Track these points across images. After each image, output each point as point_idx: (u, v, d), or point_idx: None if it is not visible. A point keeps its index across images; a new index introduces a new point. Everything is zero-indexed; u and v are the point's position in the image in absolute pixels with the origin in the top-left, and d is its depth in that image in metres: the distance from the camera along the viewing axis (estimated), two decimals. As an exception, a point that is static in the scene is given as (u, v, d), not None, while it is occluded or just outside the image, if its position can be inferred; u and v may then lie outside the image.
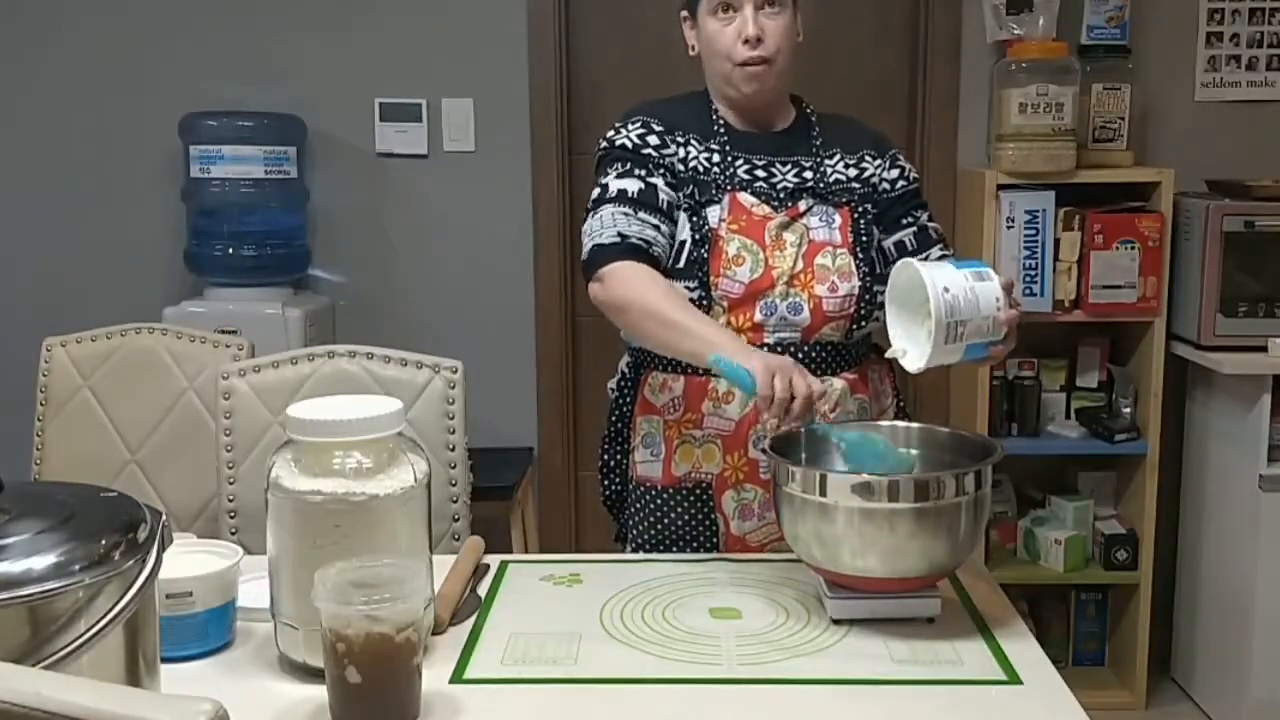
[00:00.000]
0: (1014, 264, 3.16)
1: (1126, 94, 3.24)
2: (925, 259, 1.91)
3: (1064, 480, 3.46)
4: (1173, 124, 3.41)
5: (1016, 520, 3.41)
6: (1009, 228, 3.16)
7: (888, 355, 1.74)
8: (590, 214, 1.89)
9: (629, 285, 1.80)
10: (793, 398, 1.61)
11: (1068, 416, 3.36)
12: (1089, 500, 3.37)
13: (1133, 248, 3.15)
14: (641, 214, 1.85)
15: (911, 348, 1.66)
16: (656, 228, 1.85)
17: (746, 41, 1.86)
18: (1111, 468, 3.42)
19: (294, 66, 3.43)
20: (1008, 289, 1.65)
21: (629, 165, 1.89)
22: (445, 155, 3.47)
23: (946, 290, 1.58)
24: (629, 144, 1.91)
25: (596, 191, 1.91)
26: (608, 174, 1.91)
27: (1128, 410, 3.28)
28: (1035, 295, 3.17)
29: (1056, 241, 3.17)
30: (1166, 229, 3.16)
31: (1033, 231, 3.16)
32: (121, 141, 3.48)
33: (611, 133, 1.94)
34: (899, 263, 1.70)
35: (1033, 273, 3.17)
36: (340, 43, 3.43)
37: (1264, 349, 3.05)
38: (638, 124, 1.92)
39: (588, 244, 1.87)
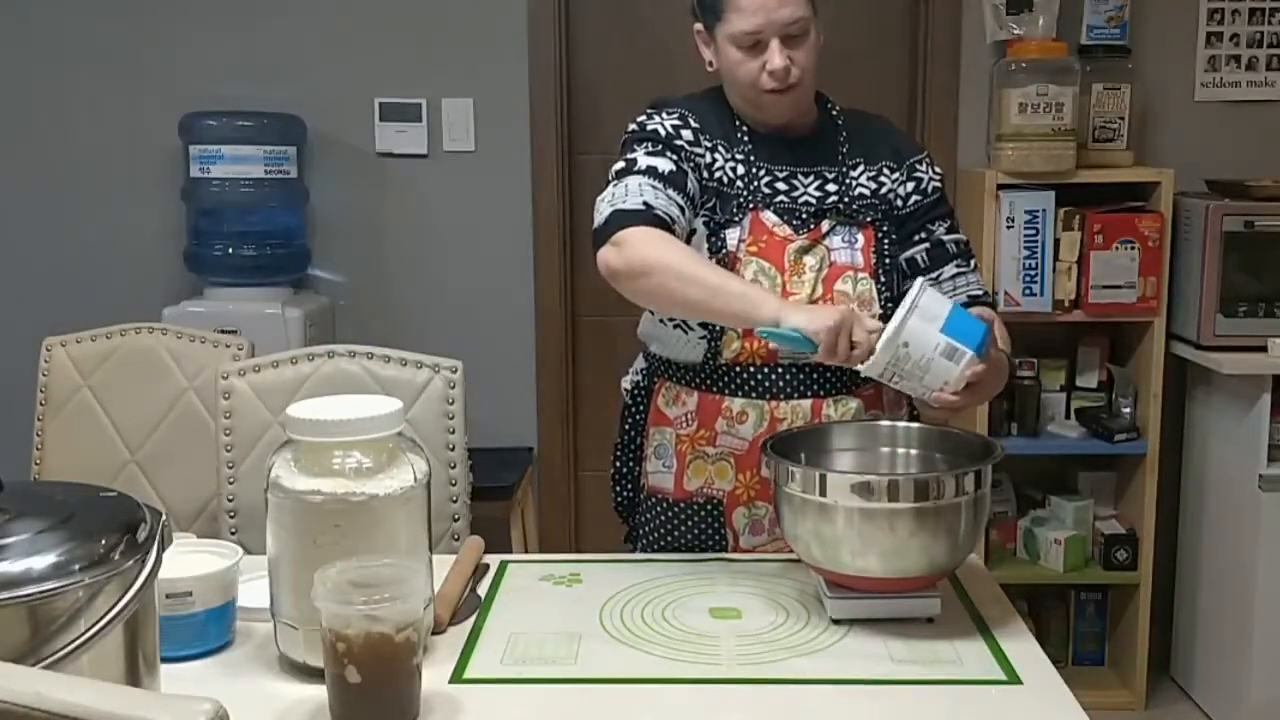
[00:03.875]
0: (1014, 264, 3.16)
1: (1126, 94, 3.25)
2: (938, 278, 1.88)
3: (1064, 480, 3.47)
4: (1173, 124, 3.41)
5: (1016, 520, 3.41)
6: (1009, 228, 3.17)
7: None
8: (613, 183, 1.81)
9: (650, 247, 1.70)
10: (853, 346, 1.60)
11: (1068, 416, 3.36)
12: (1089, 500, 3.37)
13: (1132, 248, 3.15)
14: (670, 191, 1.77)
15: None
16: (681, 209, 1.78)
17: (773, 73, 1.79)
18: (1111, 468, 3.42)
19: (294, 66, 3.43)
20: (968, 380, 1.59)
21: (660, 147, 1.82)
22: (445, 155, 3.47)
23: (905, 345, 1.57)
24: (662, 131, 1.84)
25: (621, 165, 1.83)
26: (635, 151, 1.83)
27: (1128, 410, 3.28)
28: (1035, 295, 3.17)
29: (1056, 241, 3.17)
30: (1166, 229, 3.16)
31: (1033, 231, 3.16)
32: (121, 141, 3.48)
33: (643, 118, 1.87)
34: (926, 281, 1.65)
35: (1033, 273, 3.17)
36: (340, 43, 3.43)
37: (1264, 349, 3.05)
38: (674, 115, 1.86)
39: (606, 210, 1.76)
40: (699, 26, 1.89)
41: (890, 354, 1.57)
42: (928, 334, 1.57)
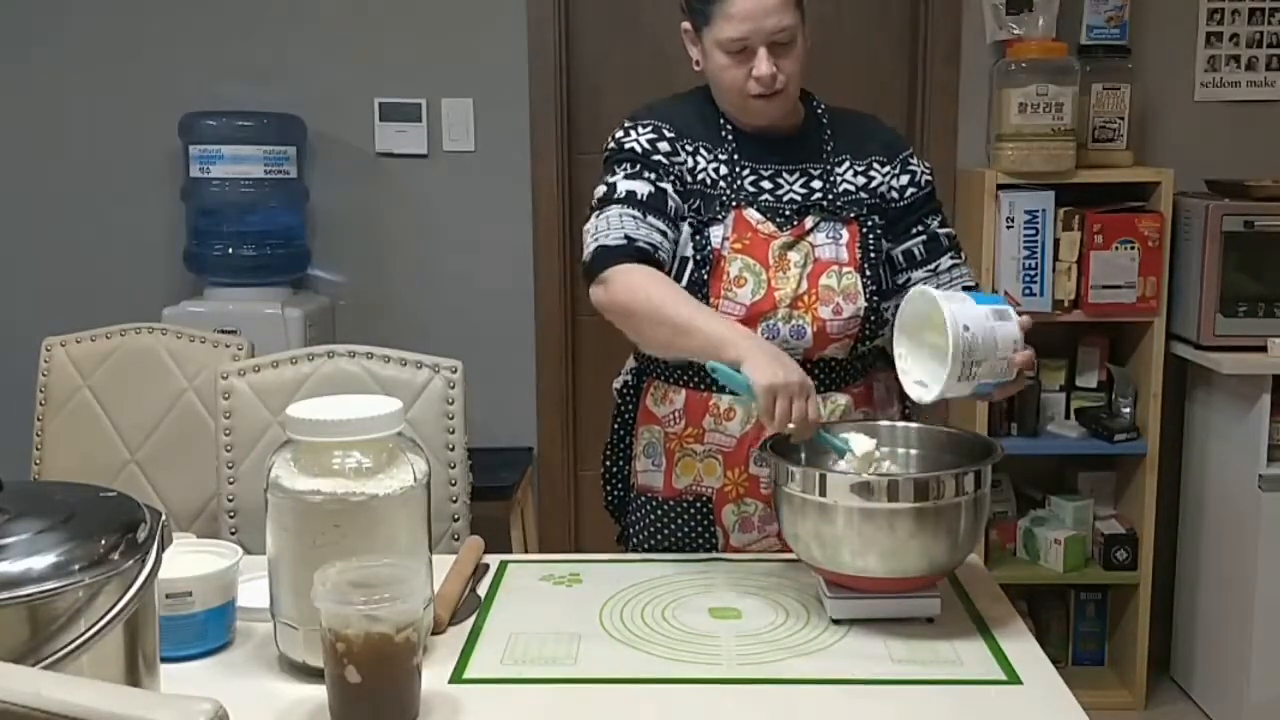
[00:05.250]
0: (1014, 264, 3.16)
1: (1126, 94, 3.25)
2: (935, 270, 1.90)
3: (1064, 480, 3.47)
4: (1172, 124, 3.41)
5: (1016, 520, 3.41)
6: (1009, 228, 3.17)
7: (906, 388, 1.68)
8: (595, 213, 1.84)
9: (633, 289, 1.75)
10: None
11: (1067, 416, 3.36)
12: (1089, 500, 3.37)
13: (1132, 248, 3.15)
14: (650, 218, 1.80)
15: (925, 379, 1.63)
16: (663, 233, 1.80)
17: (759, 79, 1.80)
18: (1111, 468, 3.42)
19: (294, 66, 3.43)
20: (1025, 330, 1.61)
21: (638, 168, 1.84)
22: (445, 155, 3.47)
23: (967, 329, 1.54)
24: (639, 148, 1.85)
25: (602, 190, 1.85)
26: (615, 174, 1.85)
27: (1127, 410, 3.28)
28: (1035, 295, 3.17)
29: (1056, 241, 3.17)
30: (1166, 229, 3.16)
31: (1032, 231, 3.16)
32: (121, 141, 3.48)
33: (620, 134, 1.89)
34: (916, 290, 1.66)
35: (1032, 273, 3.17)
36: (340, 43, 3.43)
37: (1264, 349, 3.05)
38: (649, 129, 1.87)
39: (591, 244, 1.81)
40: (686, 26, 1.90)
41: (962, 346, 1.53)
42: (972, 311, 1.56)
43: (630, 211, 1.80)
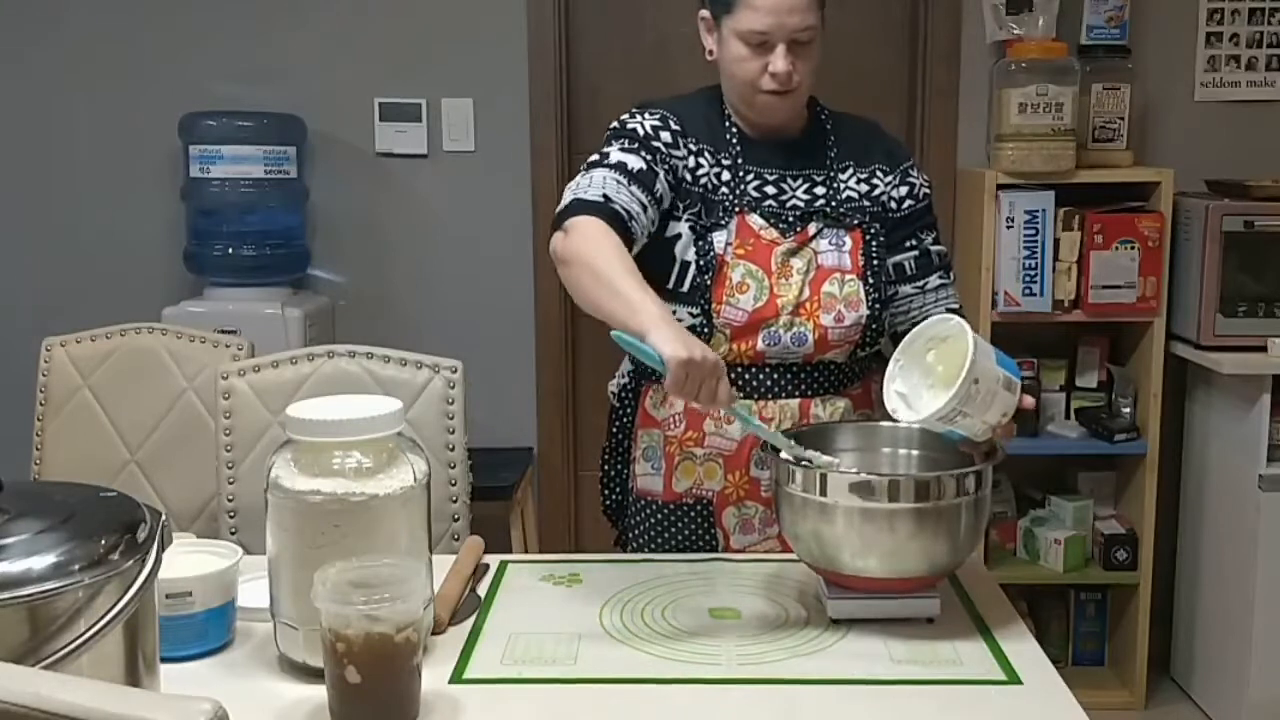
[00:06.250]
0: (1014, 264, 3.16)
1: (1126, 94, 3.25)
2: (923, 287, 1.90)
3: (1064, 480, 3.47)
4: (1172, 124, 3.41)
5: (1016, 520, 3.41)
6: (1009, 227, 3.17)
7: (885, 394, 1.63)
8: (582, 172, 1.82)
9: (584, 239, 1.69)
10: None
11: (1067, 416, 3.36)
12: (1089, 500, 3.37)
13: (1132, 248, 3.15)
14: (634, 188, 1.77)
15: (909, 395, 1.60)
16: (643, 206, 1.77)
17: (775, 75, 1.80)
18: (1111, 468, 3.42)
19: (294, 66, 3.43)
20: (1026, 409, 1.59)
21: (636, 146, 1.82)
22: (445, 155, 3.47)
23: (976, 381, 1.51)
24: (641, 130, 1.84)
25: (594, 158, 1.83)
26: (611, 145, 1.83)
27: (1127, 410, 3.28)
28: (1035, 295, 3.17)
29: (1056, 241, 3.17)
30: (1166, 229, 3.16)
31: (1032, 231, 3.16)
32: (121, 141, 3.48)
33: (626, 116, 1.88)
34: (956, 321, 1.60)
35: (1032, 273, 3.17)
36: (340, 43, 3.43)
37: (1264, 349, 3.05)
38: (655, 116, 1.86)
39: (568, 197, 1.77)
40: (705, 13, 1.88)
41: (963, 392, 1.50)
42: (990, 368, 1.53)
43: (616, 176, 1.78)
